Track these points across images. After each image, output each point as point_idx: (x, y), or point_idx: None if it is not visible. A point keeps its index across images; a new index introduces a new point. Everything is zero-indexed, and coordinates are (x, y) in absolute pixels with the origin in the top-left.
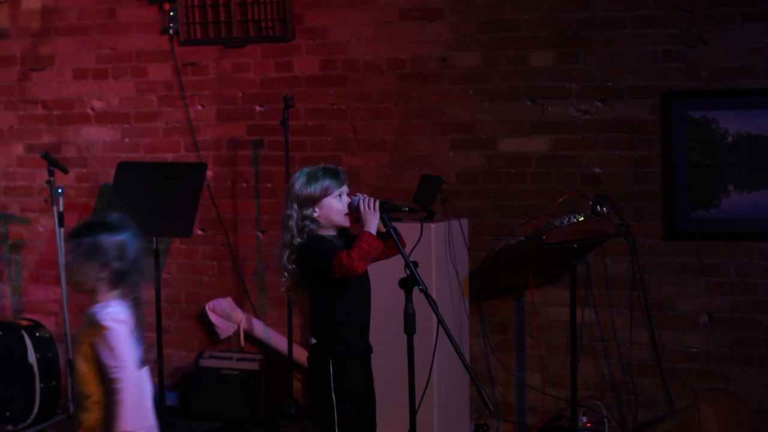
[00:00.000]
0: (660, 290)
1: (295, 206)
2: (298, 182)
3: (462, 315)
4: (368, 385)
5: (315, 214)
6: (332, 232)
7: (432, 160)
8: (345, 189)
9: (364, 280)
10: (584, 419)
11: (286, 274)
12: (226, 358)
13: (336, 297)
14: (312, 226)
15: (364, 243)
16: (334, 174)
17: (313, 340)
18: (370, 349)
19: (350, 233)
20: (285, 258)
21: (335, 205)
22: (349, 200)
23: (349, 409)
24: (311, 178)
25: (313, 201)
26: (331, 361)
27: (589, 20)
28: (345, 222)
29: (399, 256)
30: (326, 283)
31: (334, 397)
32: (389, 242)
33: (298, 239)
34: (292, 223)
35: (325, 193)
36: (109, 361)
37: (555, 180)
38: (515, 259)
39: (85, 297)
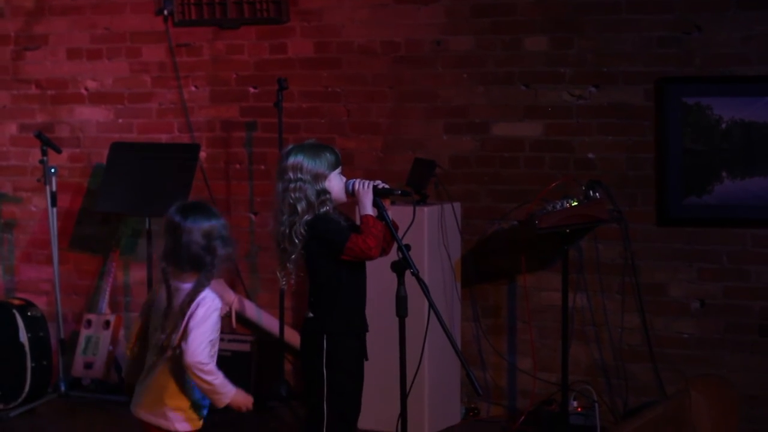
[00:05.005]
0: (652, 276)
1: (309, 178)
2: (306, 158)
3: (454, 298)
4: (359, 363)
5: (326, 187)
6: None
7: (425, 144)
8: (340, 166)
9: None
10: (575, 404)
11: (296, 241)
12: None
13: (341, 274)
14: (329, 203)
15: (372, 228)
16: (333, 150)
17: (310, 314)
18: (366, 328)
19: (344, 213)
20: (299, 225)
21: (339, 182)
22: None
23: (340, 384)
24: (317, 153)
25: (324, 176)
26: (326, 336)
27: (583, 5)
28: (345, 198)
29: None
30: (333, 261)
31: (325, 372)
32: (385, 235)
33: (321, 209)
34: (309, 193)
35: (332, 168)
36: None
37: (548, 165)
38: (507, 243)
39: (77, 277)
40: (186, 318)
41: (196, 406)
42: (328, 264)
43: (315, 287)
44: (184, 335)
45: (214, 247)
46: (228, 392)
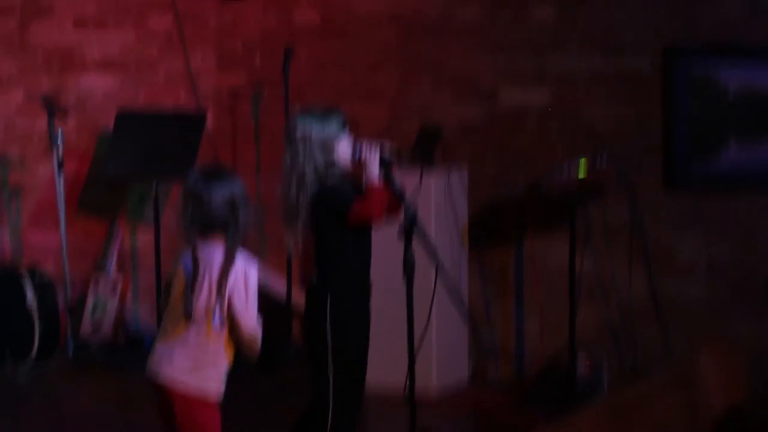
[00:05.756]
0: (659, 240)
1: (316, 146)
2: (315, 124)
3: (461, 263)
4: (364, 324)
5: (334, 158)
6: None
7: (432, 112)
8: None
9: None
10: (582, 366)
11: (303, 206)
12: None
13: (346, 239)
14: (337, 173)
15: (376, 195)
16: (340, 115)
17: (315, 276)
18: (369, 289)
19: (351, 176)
20: (307, 193)
21: (346, 146)
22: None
23: (344, 346)
24: (325, 119)
25: (332, 142)
26: (329, 298)
27: None
28: (352, 163)
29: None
30: (339, 226)
31: (330, 334)
32: (392, 200)
33: (328, 174)
34: (318, 162)
35: (339, 133)
36: None
37: (555, 132)
38: (515, 209)
39: (84, 241)
40: (230, 285)
41: (227, 372)
42: (333, 229)
43: (320, 251)
44: (235, 306)
45: (237, 210)
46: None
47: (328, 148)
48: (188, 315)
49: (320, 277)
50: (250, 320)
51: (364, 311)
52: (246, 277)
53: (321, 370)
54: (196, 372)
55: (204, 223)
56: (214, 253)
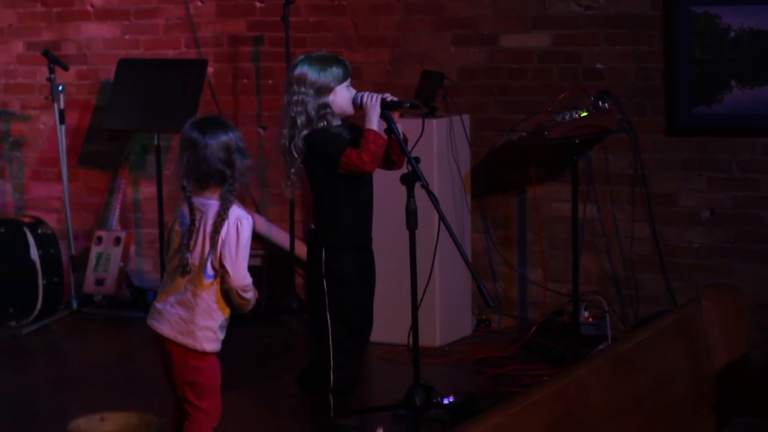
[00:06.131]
0: (662, 185)
1: (311, 92)
2: (311, 70)
3: (464, 210)
4: (363, 275)
5: (330, 102)
6: (338, 121)
7: (433, 56)
8: (349, 78)
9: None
10: (586, 314)
11: (296, 154)
12: None
13: (339, 188)
14: (330, 116)
15: (371, 143)
16: (341, 62)
17: (313, 226)
18: (369, 241)
19: (354, 124)
20: (298, 139)
21: (346, 94)
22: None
23: (341, 296)
24: (323, 66)
25: (329, 90)
26: (324, 248)
27: None
28: (353, 111)
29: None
30: (331, 174)
31: (325, 283)
32: (395, 148)
33: (320, 123)
34: (309, 108)
35: (338, 81)
36: None
37: (557, 76)
38: (517, 154)
39: (87, 194)
40: (222, 237)
41: (222, 327)
42: (326, 177)
43: (316, 200)
44: (225, 257)
45: (233, 160)
46: (253, 300)
47: (322, 92)
48: (184, 268)
49: (316, 225)
50: (239, 272)
51: (363, 261)
52: (238, 228)
53: (320, 322)
54: (192, 324)
55: (200, 173)
56: (210, 206)
